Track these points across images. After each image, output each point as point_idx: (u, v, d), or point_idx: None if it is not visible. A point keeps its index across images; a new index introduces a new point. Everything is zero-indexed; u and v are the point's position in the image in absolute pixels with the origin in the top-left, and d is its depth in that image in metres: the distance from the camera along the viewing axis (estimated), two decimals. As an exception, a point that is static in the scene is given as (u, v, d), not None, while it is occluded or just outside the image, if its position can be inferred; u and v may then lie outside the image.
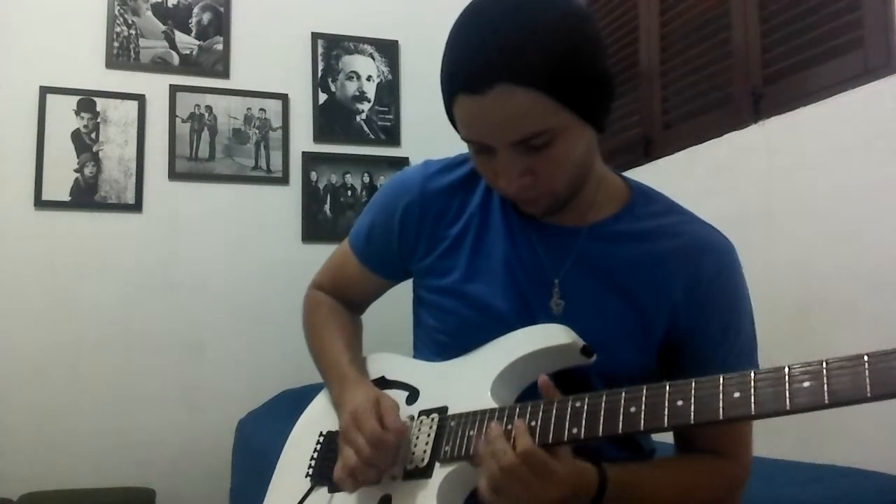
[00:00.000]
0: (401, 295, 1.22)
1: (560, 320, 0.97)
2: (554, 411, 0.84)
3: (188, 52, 3.20)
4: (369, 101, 3.40)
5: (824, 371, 0.64)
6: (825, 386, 0.64)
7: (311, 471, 1.10)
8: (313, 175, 3.28)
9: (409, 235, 1.10)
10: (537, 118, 0.87)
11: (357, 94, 3.38)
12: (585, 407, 0.82)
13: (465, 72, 0.88)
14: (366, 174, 3.35)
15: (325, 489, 1.06)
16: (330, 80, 3.36)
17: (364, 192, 3.33)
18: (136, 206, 3.05)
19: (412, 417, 1.02)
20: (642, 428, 0.77)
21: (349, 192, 3.32)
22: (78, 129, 3.02)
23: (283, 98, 3.28)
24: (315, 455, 1.12)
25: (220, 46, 3.23)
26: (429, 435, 0.97)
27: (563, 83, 0.86)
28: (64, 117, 3.00)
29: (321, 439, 1.13)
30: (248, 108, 3.23)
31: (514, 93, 0.85)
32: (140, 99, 3.09)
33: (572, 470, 0.85)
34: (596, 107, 0.92)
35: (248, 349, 3.12)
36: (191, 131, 3.15)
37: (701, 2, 2.30)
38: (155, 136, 3.11)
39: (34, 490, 2.73)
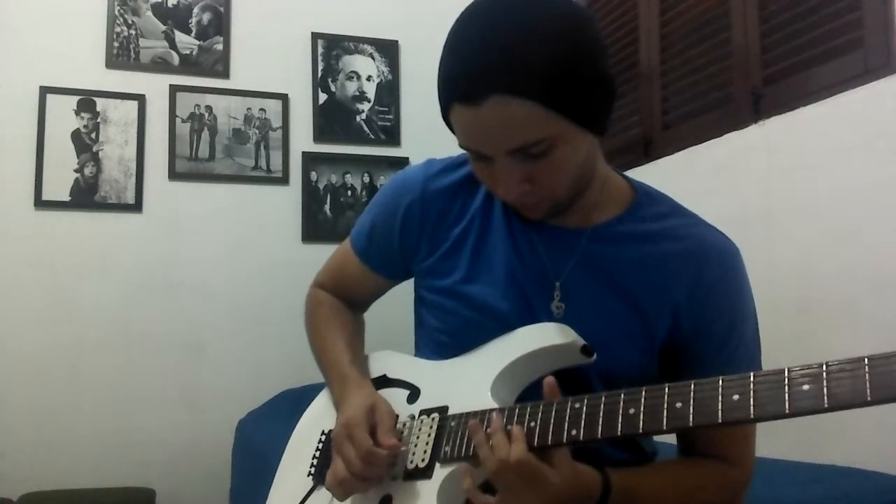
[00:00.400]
0: (403, 294, 1.22)
1: (561, 322, 0.97)
2: (553, 412, 0.84)
3: (188, 52, 3.20)
4: (369, 101, 3.40)
5: (824, 374, 0.64)
6: (825, 389, 0.63)
7: (313, 470, 1.10)
8: (313, 175, 3.28)
9: (411, 235, 1.09)
10: (534, 127, 0.86)
11: (357, 94, 3.38)
12: (584, 408, 0.82)
13: (460, 82, 0.87)
14: (366, 174, 3.35)
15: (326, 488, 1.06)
16: (330, 80, 3.36)
17: (364, 192, 3.33)
18: (136, 206, 3.06)
19: (413, 416, 1.02)
20: (641, 430, 0.76)
21: (349, 192, 3.32)
22: (78, 129, 3.02)
23: (283, 98, 3.28)
24: (317, 454, 1.12)
25: (220, 46, 3.23)
26: (429, 435, 0.97)
27: (559, 92, 0.85)
28: (64, 117, 3.00)
29: (323, 438, 1.13)
30: (248, 108, 3.23)
31: (509, 103, 0.84)
32: (140, 99, 3.09)
33: (569, 475, 0.85)
34: (595, 112, 0.90)
35: (248, 349, 3.12)
36: (191, 131, 3.15)
37: (701, 2, 2.30)
38: (155, 136, 3.11)
39: (34, 490, 2.73)
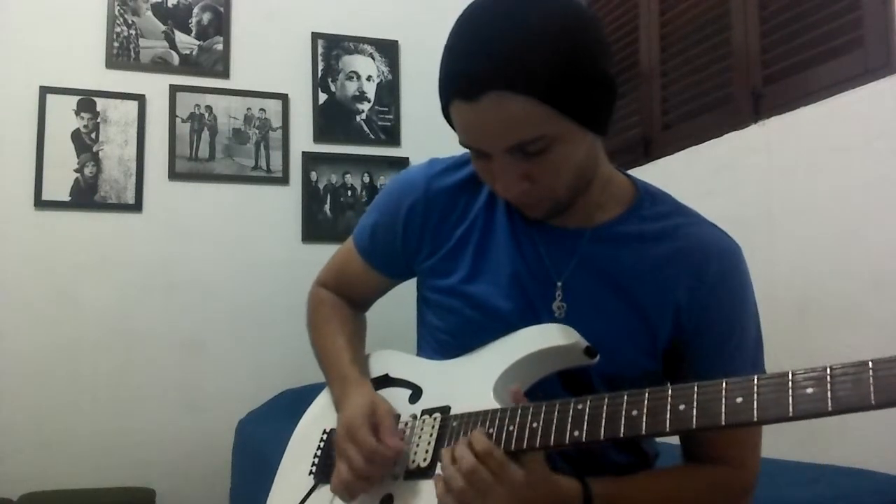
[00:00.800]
0: (405, 293, 1.23)
1: (562, 322, 0.97)
2: (556, 413, 0.84)
3: (188, 52, 3.20)
4: (369, 101, 3.40)
5: (828, 378, 0.64)
6: (829, 393, 0.63)
7: (314, 468, 1.10)
8: (313, 175, 3.28)
9: (414, 235, 1.09)
10: (532, 125, 0.86)
11: (357, 94, 3.38)
12: (587, 409, 0.81)
13: (459, 78, 0.87)
14: (366, 174, 3.35)
15: (327, 487, 1.06)
16: (330, 80, 3.36)
17: (364, 192, 3.33)
18: (136, 206, 3.05)
19: (415, 416, 1.02)
20: (644, 432, 0.76)
21: (349, 192, 3.32)
22: (78, 129, 3.02)
23: (283, 98, 3.27)
24: (318, 453, 1.12)
25: (220, 46, 3.23)
26: (431, 434, 0.97)
27: (558, 89, 0.84)
28: (64, 117, 3.00)
29: (324, 437, 1.13)
30: (248, 108, 3.23)
31: (507, 100, 0.84)
32: (140, 99, 3.09)
33: (540, 478, 0.85)
34: (595, 112, 0.90)
35: (248, 349, 3.12)
36: (191, 131, 3.15)
37: (701, 2, 2.30)
38: (155, 136, 3.11)
39: (34, 490, 2.73)
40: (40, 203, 2.95)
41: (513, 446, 0.85)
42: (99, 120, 3.04)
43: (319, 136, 3.31)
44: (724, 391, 0.71)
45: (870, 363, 0.61)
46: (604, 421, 0.79)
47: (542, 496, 0.85)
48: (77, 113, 3.02)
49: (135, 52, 3.13)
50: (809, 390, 0.65)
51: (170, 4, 3.20)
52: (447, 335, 1.06)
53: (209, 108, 3.18)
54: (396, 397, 1.06)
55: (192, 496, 2.97)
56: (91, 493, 2.78)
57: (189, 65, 3.19)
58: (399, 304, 1.35)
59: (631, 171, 1.10)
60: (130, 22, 3.13)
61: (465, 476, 0.83)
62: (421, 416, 1.01)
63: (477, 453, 0.83)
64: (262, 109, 3.24)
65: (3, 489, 2.68)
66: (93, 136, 3.03)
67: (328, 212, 3.29)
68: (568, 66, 0.85)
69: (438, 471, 0.91)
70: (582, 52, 0.86)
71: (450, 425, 0.96)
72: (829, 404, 0.63)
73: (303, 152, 3.28)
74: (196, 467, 2.99)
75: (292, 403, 2.52)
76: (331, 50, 3.36)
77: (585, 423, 0.81)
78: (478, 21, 0.88)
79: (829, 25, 1.85)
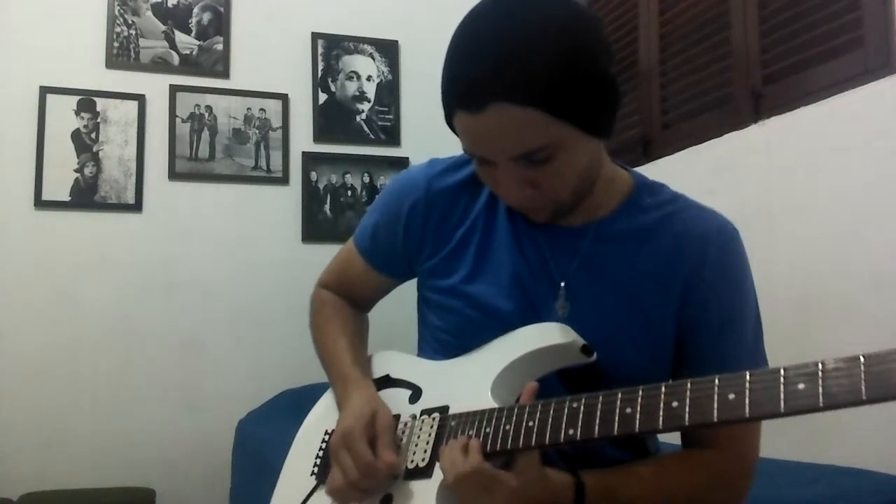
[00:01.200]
0: (406, 294, 1.23)
1: (566, 323, 0.97)
2: (551, 412, 0.84)
3: (188, 52, 3.20)
4: (369, 101, 3.40)
5: (820, 373, 0.64)
6: (820, 388, 0.63)
7: (315, 469, 1.11)
8: (313, 175, 3.28)
9: (415, 235, 1.10)
10: (536, 134, 0.86)
11: (357, 94, 3.39)
12: (582, 408, 0.81)
13: (461, 90, 0.87)
14: (366, 174, 3.35)
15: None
16: (330, 80, 3.36)
17: (364, 192, 3.33)
18: (136, 206, 3.06)
19: (414, 416, 1.02)
20: (637, 429, 0.76)
21: (349, 192, 3.33)
22: (78, 129, 3.02)
23: (283, 98, 3.28)
24: (320, 454, 1.12)
25: (220, 46, 3.23)
26: (430, 434, 0.97)
27: (561, 98, 0.84)
28: (64, 117, 3.00)
29: (326, 438, 1.13)
30: (248, 108, 3.23)
31: (510, 111, 0.84)
32: (140, 99, 3.09)
33: (532, 477, 0.85)
34: (599, 118, 0.90)
35: (248, 349, 3.12)
36: (191, 131, 3.15)
37: (701, 1, 2.30)
38: (155, 136, 3.11)
39: (34, 490, 2.73)
40: (40, 203, 2.95)
41: (509, 445, 0.85)
42: (99, 120, 3.05)
43: (319, 136, 3.31)
44: (716, 388, 0.71)
45: (861, 358, 0.61)
46: (598, 419, 0.79)
47: (535, 495, 0.85)
48: (77, 113, 3.02)
49: (135, 52, 3.13)
50: (801, 386, 0.65)
51: (170, 4, 3.20)
52: (448, 335, 1.07)
53: (209, 108, 3.18)
54: (397, 397, 1.07)
55: (192, 496, 2.97)
56: (91, 493, 2.78)
57: (189, 65, 3.19)
58: (400, 305, 1.35)
59: (631, 171, 1.10)
60: (130, 22, 3.13)
61: (458, 485, 0.85)
62: (420, 416, 1.01)
63: (470, 470, 0.84)
64: (262, 109, 3.24)
65: (3, 489, 2.68)
66: (93, 136, 3.04)
67: (328, 212, 3.29)
68: (570, 74, 0.84)
69: (437, 473, 0.92)
70: (584, 58, 0.86)
71: (448, 425, 0.96)
72: (821, 400, 0.63)
73: (303, 152, 3.28)
74: (196, 467, 2.99)
75: (292, 403, 2.53)
76: (331, 50, 3.36)
77: (580, 422, 0.81)
78: (478, 30, 0.88)
79: (829, 25, 1.85)
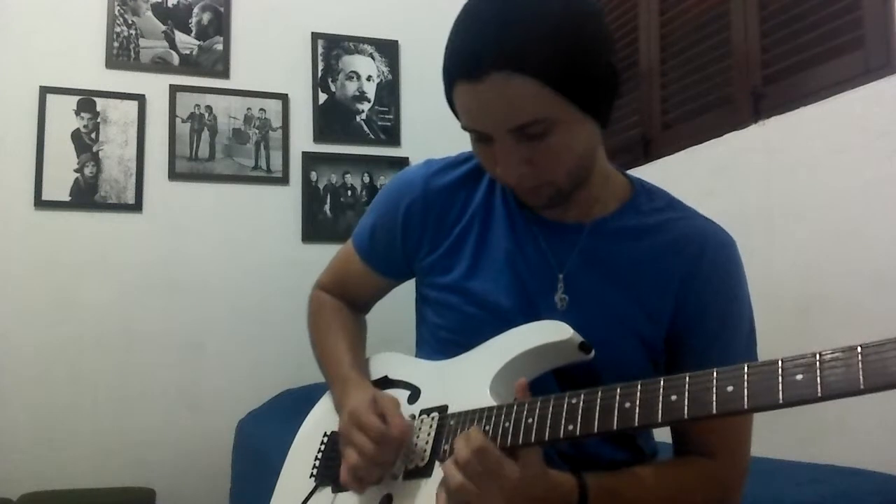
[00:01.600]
0: (404, 295, 1.23)
1: (564, 315, 0.98)
2: (550, 408, 0.84)
3: (188, 52, 3.20)
4: (369, 101, 3.40)
5: (817, 364, 0.64)
6: (818, 378, 0.63)
7: (315, 471, 1.11)
8: (313, 175, 3.28)
9: (413, 234, 1.10)
10: (534, 106, 0.87)
11: (357, 94, 3.39)
12: (581, 403, 0.82)
13: (463, 59, 0.88)
14: (366, 174, 3.35)
15: (328, 489, 1.07)
16: (330, 80, 3.36)
17: (364, 192, 3.33)
18: (136, 206, 3.06)
19: (413, 416, 1.02)
20: (637, 423, 0.76)
21: (349, 192, 3.32)
22: (78, 129, 3.02)
23: (283, 98, 3.28)
24: (319, 455, 1.12)
25: (220, 46, 3.23)
26: (429, 434, 0.98)
27: (562, 72, 0.86)
28: (64, 117, 3.00)
29: (325, 440, 1.14)
30: (248, 108, 3.23)
31: (510, 80, 0.86)
32: (140, 99, 3.09)
33: (536, 473, 0.85)
34: (597, 99, 0.91)
35: (248, 349, 3.12)
36: (191, 131, 3.15)
37: (701, 1, 2.30)
38: (155, 136, 3.11)
39: (34, 490, 2.73)
40: (40, 203, 2.95)
41: (508, 442, 0.86)
42: (99, 120, 3.05)
43: (319, 136, 3.31)
44: (714, 380, 0.71)
45: (859, 348, 0.62)
46: (597, 414, 0.80)
47: (538, 491, 0.85)
48: (77, 113, 3.02)
49: (135, 52, 3.13)
50: (799, 377, 0.65)
51: (170, 4, 3.20)
52: (447, 332, 1.07)
53: (209, 108, 3.18)
54: (395, 398, 1.07)
55: (192, 496, 2.97)
56: (91, 493, 2.78)
57: (189, 65, 3.19)
58: (399, 305, 1.35)
59: (631, 171, 1.11)
60: (130, 22, 3.13)
61: (461, 471, 0.83)
62: (419, 415, 1.01)
63: (473, 450, 0.83)
64: (262, 109, 3.24)
65: (3, 489, 2.68)
66: (93, 136, 3.04)
67: (328, 212, 3.29)
68: (572, 50, 0.86)
69: (437, 472, 0.92)
70: (585, 37, 0.88)
71: (447, 424, 0.96)
72: (819, 390, 0.63)
73: (303, 152, 3.28)
74: (196, 467, 2.98)
75: (292, 403, 2.53)
76: (331, 50, 3.36)
77: (579, 417, 0.81)
78: (482, 4, 0.89)
79: (829, 25, 1.85)
